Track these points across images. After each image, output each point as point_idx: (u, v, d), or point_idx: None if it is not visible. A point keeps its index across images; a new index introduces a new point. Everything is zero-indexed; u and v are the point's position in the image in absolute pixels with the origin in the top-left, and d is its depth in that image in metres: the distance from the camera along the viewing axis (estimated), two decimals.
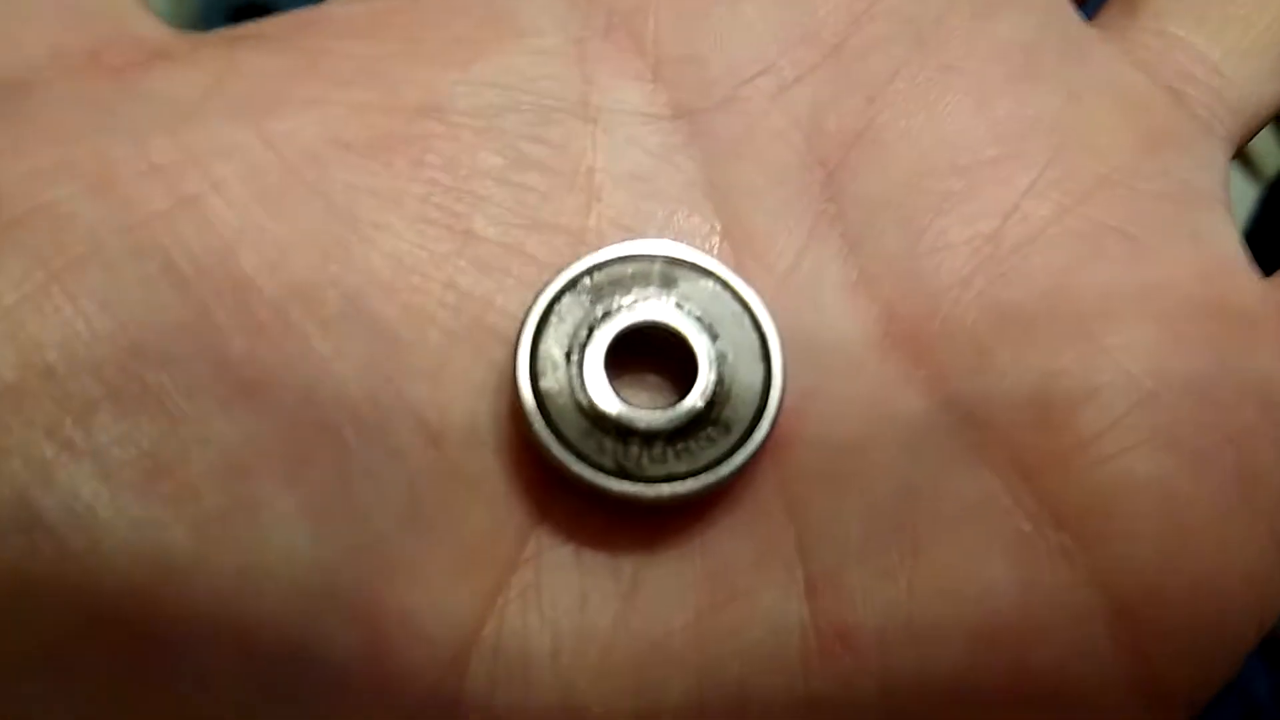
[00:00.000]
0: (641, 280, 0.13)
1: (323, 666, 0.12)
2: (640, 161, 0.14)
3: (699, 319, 0.13)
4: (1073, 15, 0.15)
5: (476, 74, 0.13)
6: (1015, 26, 0.15)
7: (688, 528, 0.13)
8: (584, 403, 0.13)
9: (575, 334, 0.13)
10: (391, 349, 0.12)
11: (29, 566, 0.11)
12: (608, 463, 0.12)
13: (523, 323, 0.13)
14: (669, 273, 0.13)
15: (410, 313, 0.12)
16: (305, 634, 0.12)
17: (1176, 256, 0.13)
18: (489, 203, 0.13)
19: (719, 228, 0.14)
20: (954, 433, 0.13)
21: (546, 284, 0.13)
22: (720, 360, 0.13)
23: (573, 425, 0.12)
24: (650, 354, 0.13)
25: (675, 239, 0.13)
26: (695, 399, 0.13)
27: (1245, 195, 0.44)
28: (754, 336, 0.13)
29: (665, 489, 0.12)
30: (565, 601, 0.12)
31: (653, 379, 0.13)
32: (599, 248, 0.13)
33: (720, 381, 0.13)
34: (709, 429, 0.13)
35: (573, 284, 0.13)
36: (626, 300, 0.13)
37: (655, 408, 0.13)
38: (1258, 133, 0.15)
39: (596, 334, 0.13)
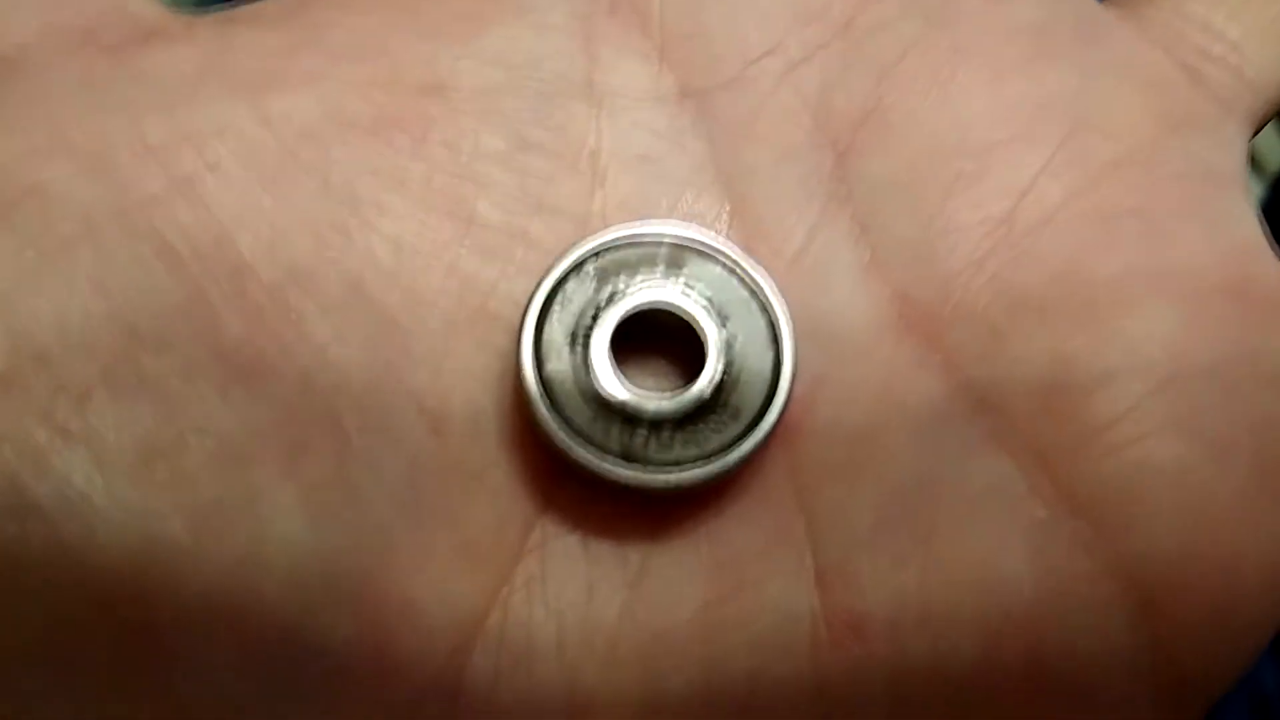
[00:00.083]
0: (648, 263, 0.13)
1: (322, 658, 0.12)
2: (646, 143, 0.13)
3: (707, 303, 0.13)
4: None
5: (479, 51, 0.13)
6: (1029, 4, 0.14)
7: (695, 516, 0.13)
8: (589, 388, 0.12)
9: (580, 318, 0.13)
10: (392, 335, 0.12)
11: (22, 555, 0.11)
12: (614, 449, 0.12)
13: (526, 307, 0.12)
14: (676, 255, 0.13)
15: (411, 298, 0.12)
16: (304, 625, 0.11)
17: (1195, 239, 0.13)
18: (492, 186, 0.13)
19: (727, 210, 0.13)
20: (967, 418, 0.13)
21: (550, 267, 0.13)
22: (729, 345, 0.13)
23: (578, 411, 0.12)
24: (657, 339, 0.13)
25: (682, 222, 0.13)
26: (703, 385, 0.12)
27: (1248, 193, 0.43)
28: (763, 321, 0.13)
29: (673, 476, 0.12)
30: (571, 592, 0.12)
31: (659, 364, 0.13)
32: (604, 232, 0.13)
33: (729, 367, 0.13)
34: (717, 415, 0.12)
35: (577, 267, 0.13)
36: (633, 283, 0.13)
37: (662, 393, 0.12)
38: (1278, 113, 0.15)
39: (602, 318, 0.13)
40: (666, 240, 0.13)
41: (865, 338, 0.13)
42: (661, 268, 0.13)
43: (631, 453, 0.12)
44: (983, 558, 0.12)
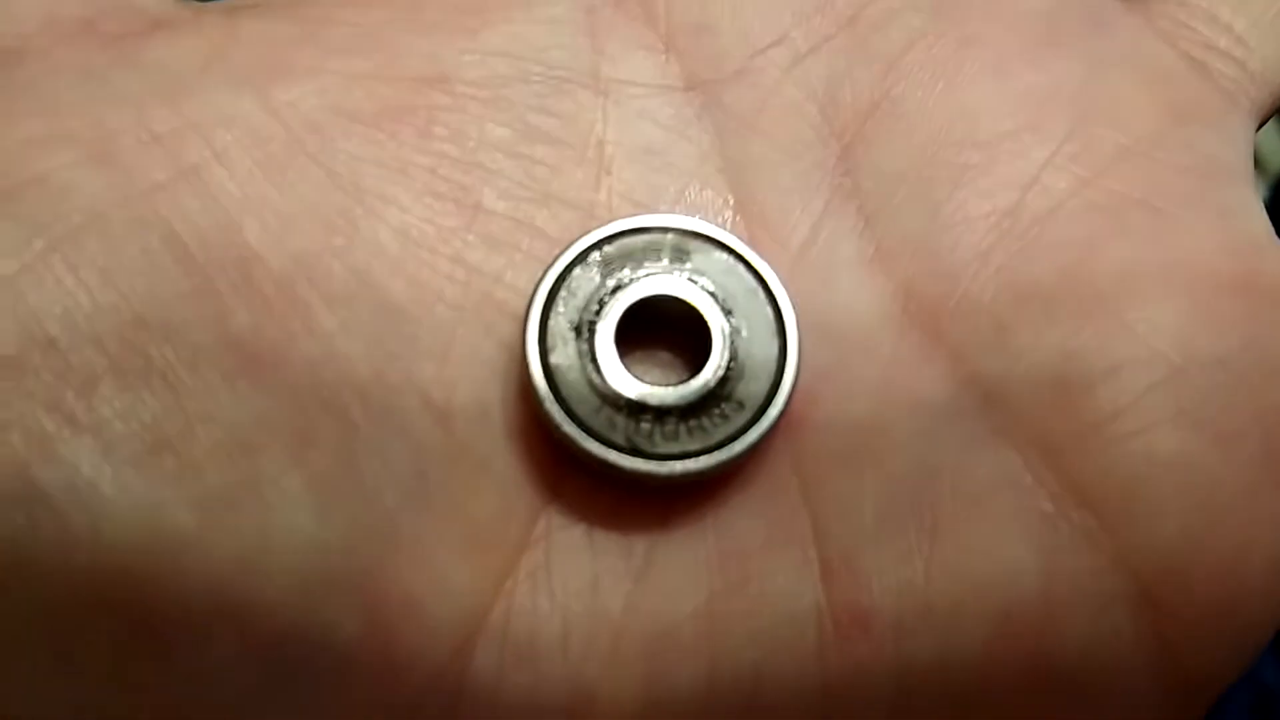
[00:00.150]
0: (653, 253, 0.13)
1: (325, 650, 0.12)
2: (652, 134, 0.13)
3: (712, 293, 0.13)
4: None
5: (484, 43, 0.13)
6: None
7: (700, 507, 0.13)
8: (595, 378, 0.12)
9: (586, 308, 0.13)
10: (398, 325, 0.12)
11: (29, 543, 0.11)
12: (619, 440, 0.12)
13: (531, 297, 0.12)
14: (681, 246, 0.13)
15: (417, 288, 0.12)
16: (308, 616, 0.11)
17: (1202, 231, 0.13)
18: (497, 176, 0.13)
19: (732, 202, 0.13)
20: (973, 411, 0.13)
21: (556, 257, 0.13)
22: (734, 335, 0.13)
23: (583, 402, 0.12)
24: (662, 329, 0.13)
25: (688, 213, 0.13)
26: (709, 375, 0.12)
27: None
28: (768, 312, 0.13)
29: (678, 466, 0.12)
30: (576, 584, 0.12)
31: (665, 355, 0.13)
32: (610, 222, 0.13)
33: (734, 357, 0.12)
34: (722, 406, 0.12)
35: (583, 257, 0.13)
36: (638, 274, 0.13)
37: (668, 383, 0.12)
38: None
39: (607, 308, 0.13)
40: (672, 231, 0.13)
41: (870, 330, 0.13)
42: (667, 258, 0.13)
43: (636, 443, 0.12)
44: (988, 550, 0.12)
